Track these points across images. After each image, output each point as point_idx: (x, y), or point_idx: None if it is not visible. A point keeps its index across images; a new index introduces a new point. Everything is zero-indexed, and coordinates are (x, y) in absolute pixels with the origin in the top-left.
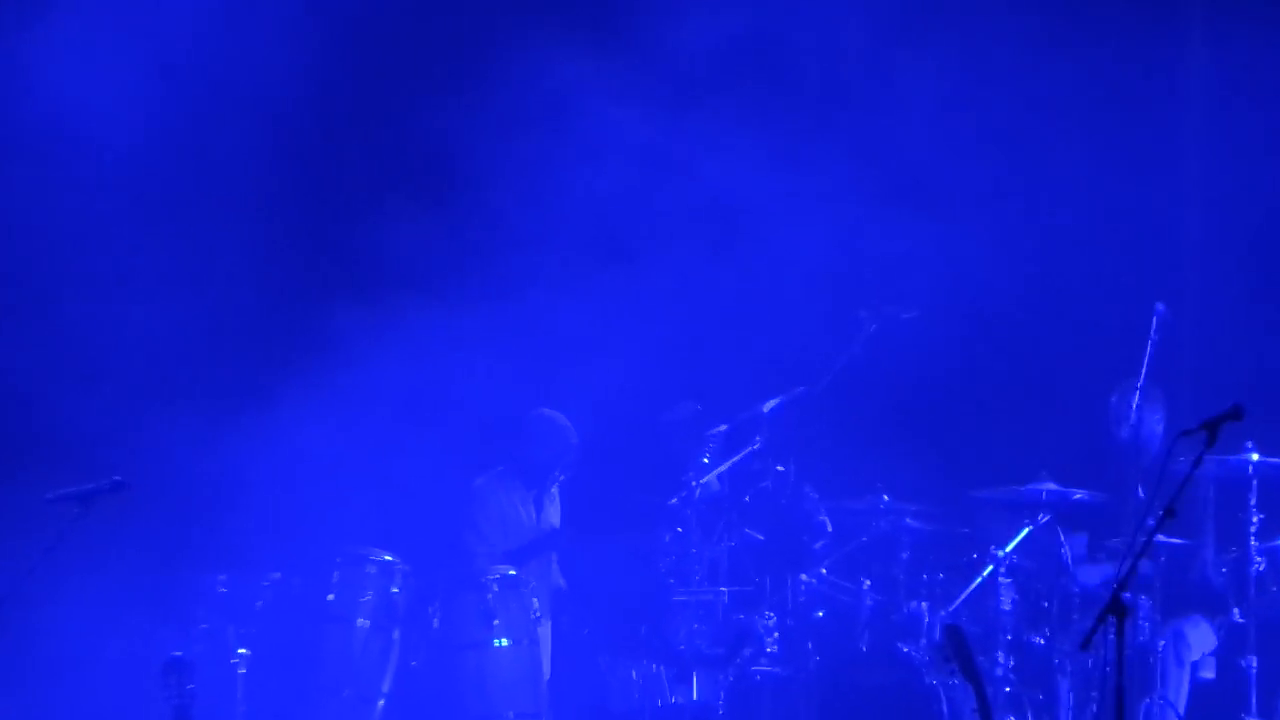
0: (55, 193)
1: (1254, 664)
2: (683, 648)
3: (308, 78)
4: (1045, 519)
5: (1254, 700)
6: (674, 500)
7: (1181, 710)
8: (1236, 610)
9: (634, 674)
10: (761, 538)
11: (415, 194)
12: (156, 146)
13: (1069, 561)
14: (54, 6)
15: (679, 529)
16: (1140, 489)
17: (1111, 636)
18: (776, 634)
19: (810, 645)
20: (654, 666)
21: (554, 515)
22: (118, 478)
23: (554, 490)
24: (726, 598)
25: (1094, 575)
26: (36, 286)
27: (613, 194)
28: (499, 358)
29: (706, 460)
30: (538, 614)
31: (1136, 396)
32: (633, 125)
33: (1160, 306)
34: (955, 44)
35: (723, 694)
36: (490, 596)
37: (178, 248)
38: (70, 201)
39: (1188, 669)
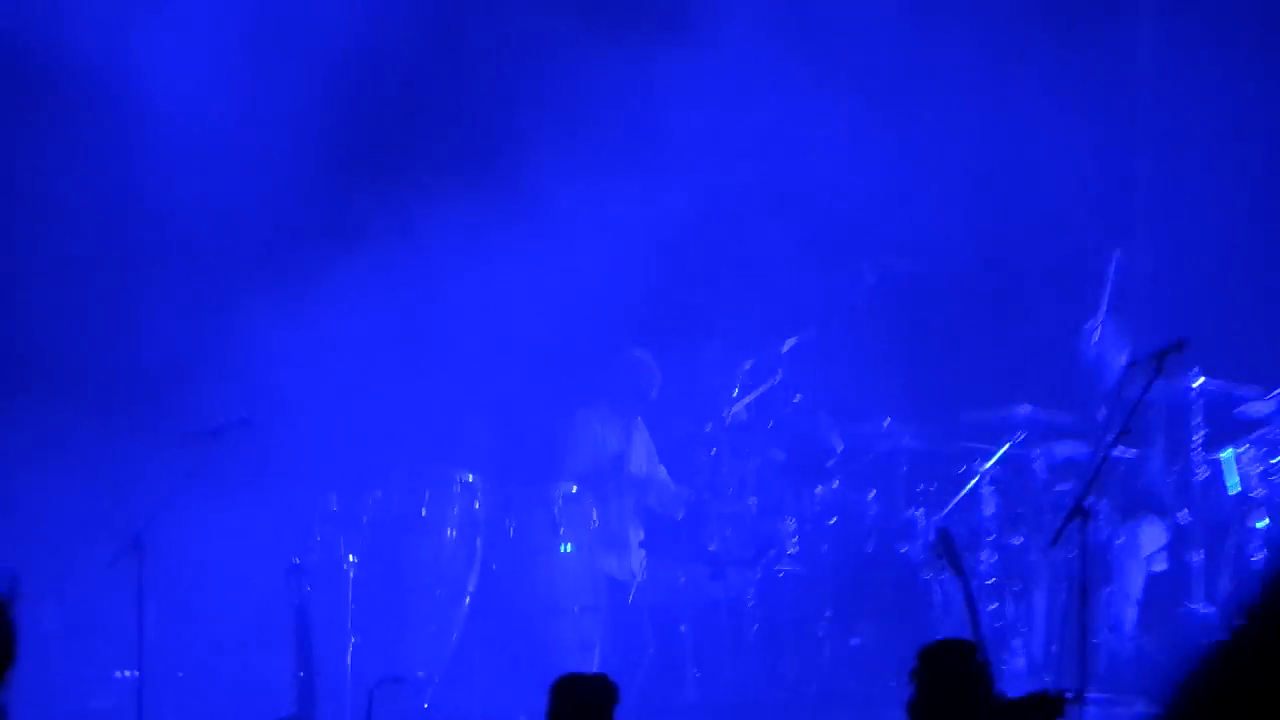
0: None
1: (1199, 558)
2: (715, 550)
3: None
4: (1022, 437)
5: (1199, 589)
6: (709, 427)
7: (1139, 594)
8: (1184, 512)
9: (681, 577)
10: (783, 457)
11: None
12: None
13: (1042, 472)
14: None
15: (714, 450)
16: (1102, 410)
17: (1077, 535)
18: (796, 538)
19: (825, 548)
20: (695, 567)
21: (640, 444)
22: (243, 415)
23: (639, 421)
24: (755, 508)
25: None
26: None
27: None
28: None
29: (736, 393)
30: (596, 523)
31: (1096, 334)
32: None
33: (1117, 254)
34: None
35: (752, 590)
36: (557, 510)
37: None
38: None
39: (1142, 562)
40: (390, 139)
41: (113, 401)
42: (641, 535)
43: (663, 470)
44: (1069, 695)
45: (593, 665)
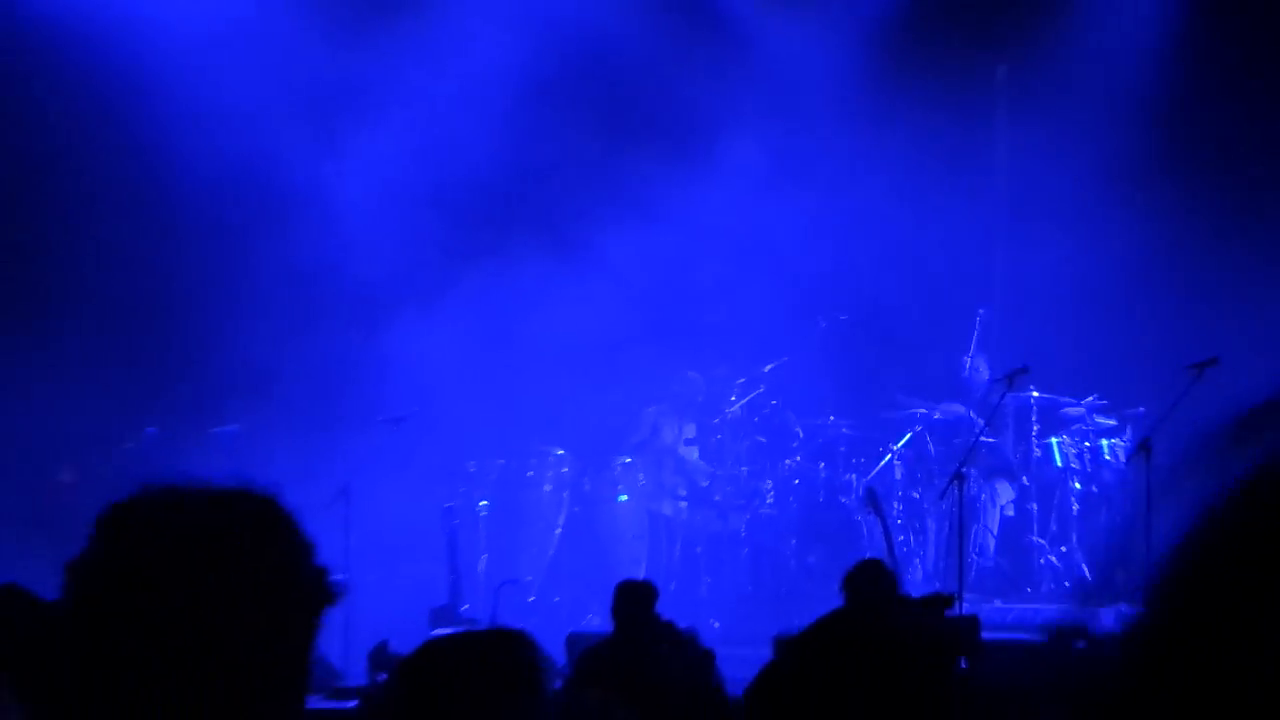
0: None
1: (1035, 507)
2: (720, 500)
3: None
4: (919, 428)
5: (1035, 526)
6: (717, 419)
7: (996, 531)
8: (1024, 477)
9: (697, 517)
10: (764, 440)
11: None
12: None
13: (933, 450)
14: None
15: (719, 437)
16: (971, 411)
17: (956, 491)
18: (772, 493)
19: (791, 499)
20: (707, 511)
21: (688, 434)
22: (413, 410)
23: (690, 422)
24: (745, 473)
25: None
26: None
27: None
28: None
29: (734, 398)
30: (643, 482)
31: (969, 362)
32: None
33: (981, 311)
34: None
35: (744, 526)
36: (618, 471)
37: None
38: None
39: (998, 508)
40: (491, 214)
41: (320, 397)
42: (684, 492)
43: (695, 451)
44: (951, 594)
45: (640, 573)
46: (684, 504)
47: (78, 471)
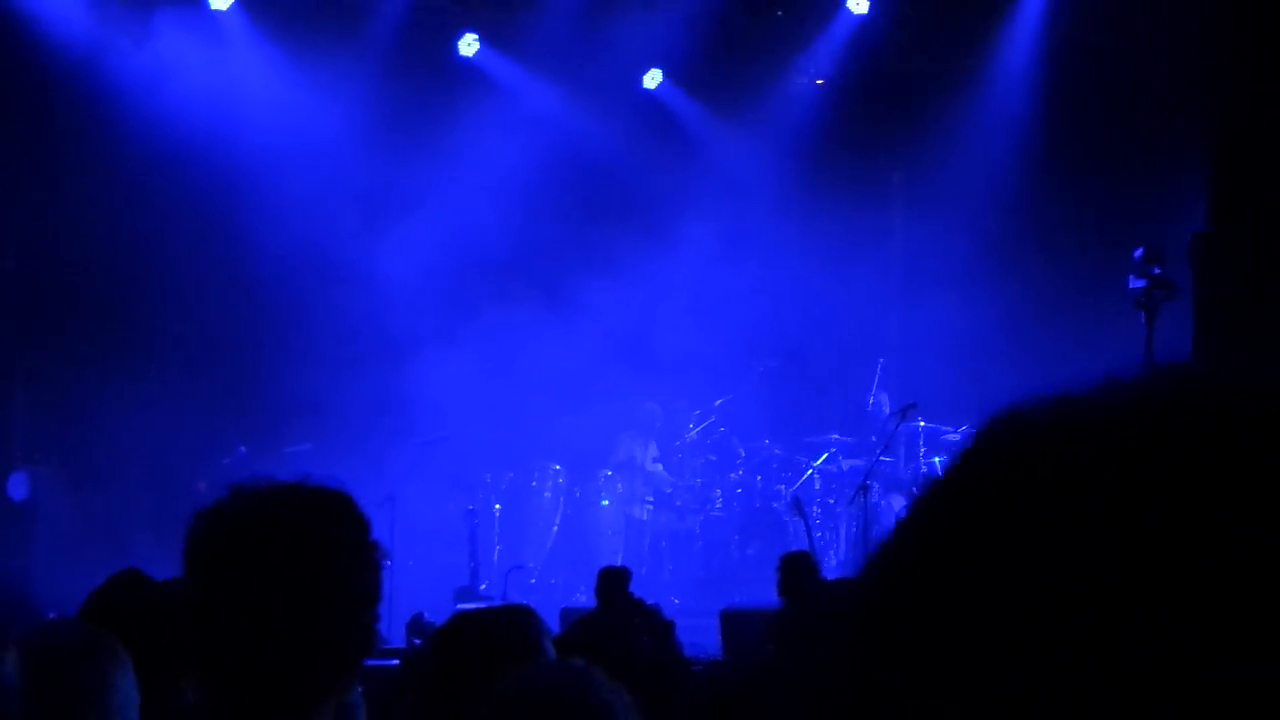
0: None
1: None
2: (680, 505)
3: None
4: (834, 450)
5: None
6: (678, 442)
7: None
8: (914, 489)
9: (662, 518)
10: (714, 458)
11: None
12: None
13: (844, 468)
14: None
15: (679, 456)
16: (874, 437)
17: (862, 499)
18: (721, 499)
19: (735, 504)
20: (669, 513)
21: (653, 453)
22: (448, 433)
23: (652, 442)
24: (699, 484)
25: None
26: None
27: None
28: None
29: (691, 426)
30: (620, 490)
31: (872, 398)
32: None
33: (881, 359)
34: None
35: (698, 525)
36: (601, 482)
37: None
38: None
39: (895, 514)
40: (497, 277)
41: (368, 422)
42: (651, 498)
43: (660, 466)
44: None
45: (618, 561)
46: (651, 507)
47: (207, 480)
